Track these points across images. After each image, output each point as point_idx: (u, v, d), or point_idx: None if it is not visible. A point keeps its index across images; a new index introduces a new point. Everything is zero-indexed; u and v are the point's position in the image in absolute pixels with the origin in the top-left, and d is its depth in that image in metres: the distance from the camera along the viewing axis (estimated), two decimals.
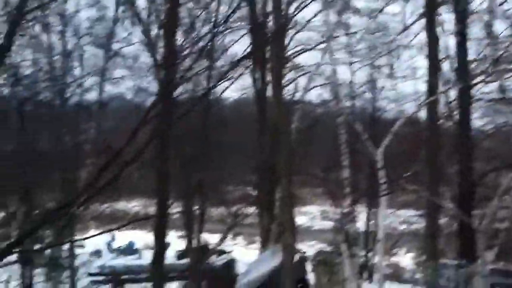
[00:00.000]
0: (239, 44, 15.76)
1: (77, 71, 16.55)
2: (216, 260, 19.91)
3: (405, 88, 15.63)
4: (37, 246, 11.73)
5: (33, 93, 14.93)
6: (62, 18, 15.21)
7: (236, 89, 17.89)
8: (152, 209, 14.33)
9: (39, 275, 17.29)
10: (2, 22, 7.37)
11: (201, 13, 11.05)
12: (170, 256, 17.99)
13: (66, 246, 16.36)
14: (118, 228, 10.98)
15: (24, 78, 14.01)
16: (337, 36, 15.26)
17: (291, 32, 16.73)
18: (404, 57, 15.35)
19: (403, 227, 24.70)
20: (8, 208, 15.94)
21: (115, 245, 26.59)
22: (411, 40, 15.17)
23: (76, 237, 14.29)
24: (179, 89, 11.20)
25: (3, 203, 15.79)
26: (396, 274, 21.47)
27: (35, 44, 14.70)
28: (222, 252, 21.27)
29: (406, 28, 14.73)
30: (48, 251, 15.42)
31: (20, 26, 7.44)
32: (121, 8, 15.49)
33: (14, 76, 13.09)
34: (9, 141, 16.06)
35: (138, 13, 13.36)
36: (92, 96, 17.34)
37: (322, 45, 15.38)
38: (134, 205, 22.75)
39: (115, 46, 16.69)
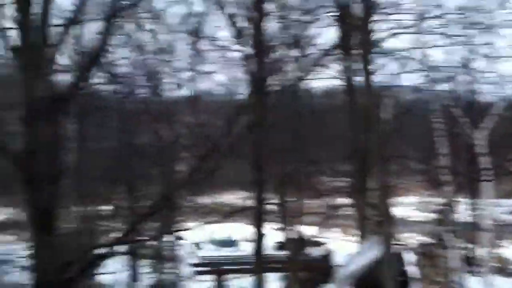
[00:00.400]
0: (327, 32, 15.56)
1: (170, 67, 17.02)
2: (314, 252, 19.95)
3: (504, 69, 14.78)
4: (141, 238, 12.24)
5: (129, 90, 15.59)
6: (153, 15, 15.72)
7: (326, 78, 17.66)
8: (249, 201, 14.55)
9: (144, 267, 18.10)
10: (97, 23, 7.80)
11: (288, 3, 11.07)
12: (268, 248, 18.22)
13: (168, 238, 16.95)
14: (218, 220, 11.28)
15: (120, 76, 14.66)
16: (429, 17, 14.73)
17: (379, 16, 16.29)
18: (502, 36, 14.58)
19: (508, 217, 23.56)
20: (114, 202, 16.80)
21: (214, 237, 27.26)
22: (508, 18, 14.40)
23: (178, 229, 14.76)
24: (270, 80, 11.37)
25: (109, 197, 16.67)
26: (501, 266, 20.46)
27: (129, 42, 15.32)
28: (319, 243, 21.27)
29: (502, 4, 14.01)
30: (152, 243, 16.05)
31: (114, 26, 7.83)
32: (208, 2, 15.77)
33: (110, 74, 13.72)
34: (110, 138, 16.89)
35: (225, 6, 13.55)
36: (186, 91, 17.82)
37: (413, 28, 14.90)
38: (231, 198, 23.20)
39: (205, 41, 16.99)
